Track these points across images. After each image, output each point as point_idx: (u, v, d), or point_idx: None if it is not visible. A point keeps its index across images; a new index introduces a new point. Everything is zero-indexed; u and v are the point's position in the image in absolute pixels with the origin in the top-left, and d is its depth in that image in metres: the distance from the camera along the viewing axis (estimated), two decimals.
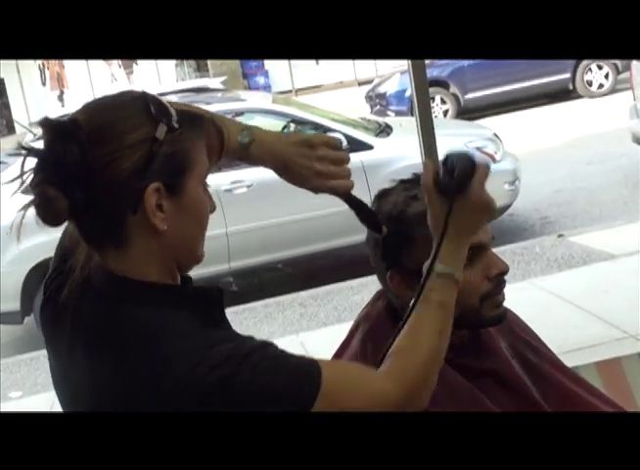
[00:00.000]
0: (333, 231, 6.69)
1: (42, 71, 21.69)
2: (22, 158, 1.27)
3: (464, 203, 1.44)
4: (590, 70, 14.47)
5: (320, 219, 6.50)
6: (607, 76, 14.54)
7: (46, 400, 5.23)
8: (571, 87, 14.60)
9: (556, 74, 14.30)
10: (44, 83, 21.80)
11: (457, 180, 1.44)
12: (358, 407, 1.32)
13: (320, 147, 1.51)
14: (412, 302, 1.44)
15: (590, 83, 14.58)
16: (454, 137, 7.37)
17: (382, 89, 15.25)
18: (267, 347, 1.28)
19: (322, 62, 21.36)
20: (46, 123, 1.25)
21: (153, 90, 1.35)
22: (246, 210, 6.85)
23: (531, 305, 4.62)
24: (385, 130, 7.74)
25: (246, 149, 1.51)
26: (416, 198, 1.65)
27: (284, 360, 1.28)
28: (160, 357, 1.22)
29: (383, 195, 1.73)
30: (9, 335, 7.47)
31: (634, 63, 8.59)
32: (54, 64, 21.31)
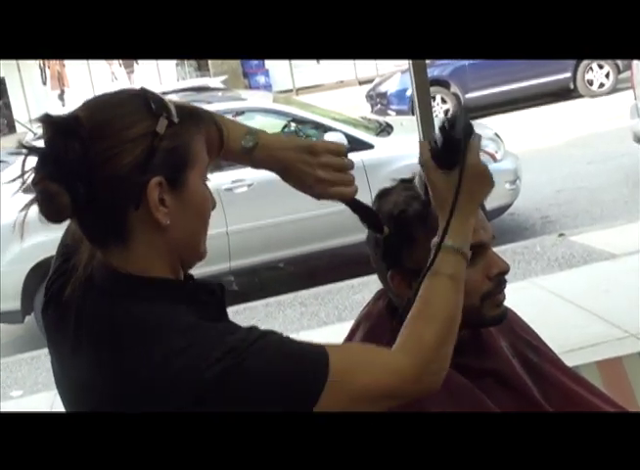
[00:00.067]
0: (333, 230, 6.69)
1: (43, 71, 21.67)
2: (23, 157, 1.27)
3: (465, 174, 1.46)
4: (591, 69, 14.46)
5: (320, 219, 6.49)
6: (608, 76, 14.53)
7: (47, 400, 5.24)
8: (571, 86, 14.59)
9: (557, 74, 14.29)
10: (45, 82, 21.79)
11: (463, 145, 1.46)
12: (373, 386, 1.30)
13: (323, 154, 1.50)
14: (421, 276, 1.44)
15: (591, 83, 14.57)
16: None
17: (382, 88, 15.24)
18: (271, 335, 1.28)
19: (323, 61, 21.34)
20: (47, 120, 1.25)
21: (153, 89, 1.35)
22: (246, 209, 6.85)
23: (532, 304, 4.62)
24: (385, 130, 7.74)
25: (249, 153, 1.51)
26: (417, 197, 1.65)
27: (289, 348, 1.28)
28: (159, 354, 1.21)
29: (383, 194, 1.73)
30: (9, 334, 7.47)
31: (635, 62, 8.59)
32: (54, 63, 21.30)
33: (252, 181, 6.69)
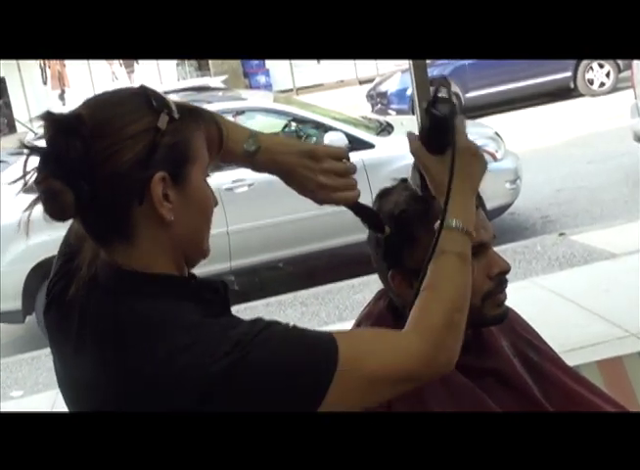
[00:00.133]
0: (334, 230, 6.69)
1: (43, 70, 21.65)
2: (25, 157, 1.27)
3: (457, 152, 1.47)
4: (591, 68, 14.46)
5: (321, 218, 6.49)
6: (608, 75, 14.53)
7: (47, 400, 5.24)
8: (572, 86, 14.59)
9: (557, 73, 14.29)
10: (45, 82, 21.77)
11: (450, 121, 1.47)
12: (386, 371, 1.29)
13: (325, 159, 1.50)
14: (426, 259, 1.44)
15: (591, 82, 14.57)
16: None
17: (383, 88, 15.24)
18: (275, 325, 1.27)
19: (323, 61, 21.34)
20: (48, 118, 1.25)
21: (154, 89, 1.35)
22: (247, 208, 6.85)
23: (533, 303, 4.61)
24: (386, 129, 7.74)
25: (251, 157, 1.51)
26: (418, 197, 1.65)
27: (296, 337, 1.28)
28: (163, 350, 1.21)
29: (384, 194, 1.73)
30: (10, 334, 7.48)
31: (636, 61, 8.58)
32: (55, 63, 21.27)
33: (253, 181, 6.69)
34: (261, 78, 22.48)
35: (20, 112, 20.52)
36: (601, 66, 14.44)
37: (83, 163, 1.23)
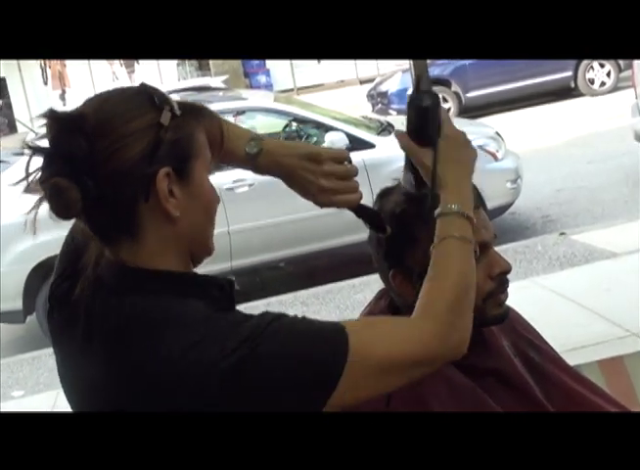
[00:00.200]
0: (334, 230, 6.69)
1: (44, 70, 21.65)
2: (28, 157, 1.27)
3: (443, 137, 1.49)
4: (592, 68, 14.46)
5: (321, 218, 6.48)
6: (609, 75, 14.53)
7: (48, 400, 5.24)
8: (572, 85, 14.60)
9: (558, 73, 14.29)
10: (46, 82, 21.77)
11: (435, 114, 1.50)
12: (397, 357, 1.29)
13: (326, 162, 1.50)
14: (431, 247, 1.44)
15: (592, 81, 14.57)
16: None
17: (383, 88, 15.24)
18: (284, 318, 1.28)
19: (324, 61, 21.34)
20: (51, 116, 1.26)
21: None
22: (247, 208, 6.84)
23: (534, 303, 4.62)
24: (386, 129, 7.73)
25: (253, 159, 1.51)
26: (419, 197, 1.65)
27: (305, 328, 1.28)
28: (172, 347, 1.21)
29: (385, 194, 1.73)
30: (11, 334, 7.48)
31: (636, 61, 8.58)
32: (55, 63, 21.28)
33: (254, 181, 6.69)
34: (262, 78, 22.47)
35: (20, 112, 20.51)
36: (602, 65, 14.44)
37: (88, 160, 1.23)
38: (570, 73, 14.42)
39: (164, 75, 21.37)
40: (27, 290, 6.71)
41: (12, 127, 20.14)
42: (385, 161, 6.79)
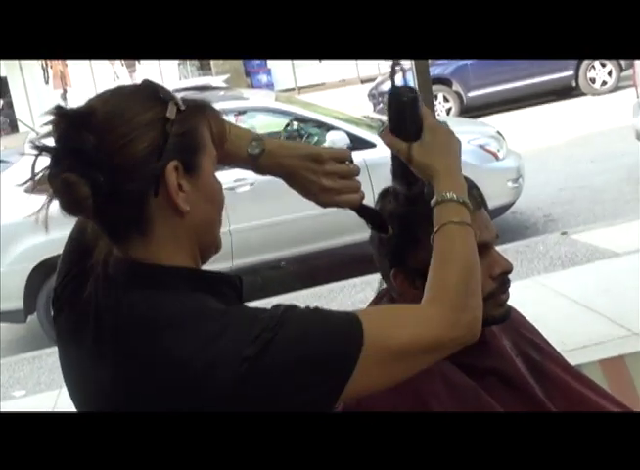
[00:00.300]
0: (336, 229, 6.69)
1: (45, 70, 21.64)
2: (34, 156, 1.27)
3: (427, 129, 1.49)
4: (593, 67, 14.45)
5: (322, 218, 6.47)
6: (610, 74, 14.52)
7: (49, 399, 5.25)
8: (574, 85, 14.59)
9: (559, 72, 14.28)
10: (47, 82, 21.74)
11: (412, 106, 1.49)
12: (410, 342, 1.29)
13: (328, 162, 1.50)
14: (431, 235, 1.44)
15: (593, 81, 14.56)
16: (457, 135, 7.35)
17: (385, 87, 15.21)
18: (297, 308, 1.28)
19: (325, 60, 21.34)
20: (59, 112, 1.26)
21: None
22: (248, 208, 6.84)
23: (535, 303, 4.62)
24: None
25: (255, 160, 1.51)
26: (420, 196, 1.65)
27: (320, 318, 1.28)
28: (195, 341, 1.21)
29: (386, 193, 1.73)
30: (12, 334, 7.49)
31: (638, 60, 8.58)
32: (57, 62, 21.24)
33: (254, 181, 6.69)
34: (263, 78, 22.48)
35: (21, 111, 20.53)
36: (603, 64, 14.42)
37: (96, 155, 1.23)
38: (571, 73, 14.41)
39: (166, 75, 21.37)
40: (28, 290, 6.71)
41: (13, 127, 20.16)
42: (386, 160, 6.69)
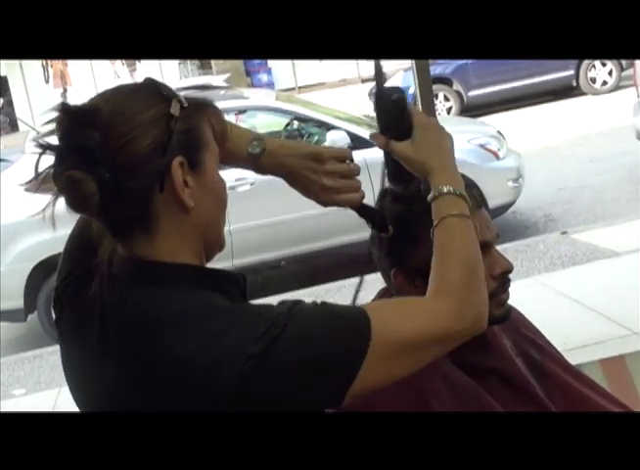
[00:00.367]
0: (336, 229, 6.69)
1: (45, 69, 21.65)
2: (38, 155, 1.27)
3: (417, 127, 1.50)
4: (594, 67, 14.45)
5: (323, 217, 6.47)
6: (610, 73, 14.52)
7: (49, 398, 5.25)
8: (574, 84, 14.59)
9: (559, 72, 14.28)
10: (47, 81, 21.76)
11: (400, 105, 1.51)
12: (416, 335, 1.29)
13: (329, 161, 1.51)
14: (431, 229, 1.44)
15: (594, 80, 14.56)
16: (457, 134, 7.34)
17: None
18: (303, 303, 1.27)
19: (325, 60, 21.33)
20: (63, 109, 1.26)
21: None
22: (249, 207, 6.84)
23: (535, 302, 4.62)
24: None
25: (256, 159, 1.51)
26: (421, 196, 1.65)
27: (328, 312, 1.28)
28: (201, 338, 1.20)
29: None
30: (12, 332, 7.49)
31: (638, 60, 8.58)
32: (57, 62, 21.27)
33: (255, 180, 6.69)
34: (263, 77, 22.49)
35: (22, 110, 20.54)
36: (603, 64, 14.42)
37: (101, 151, 1.23)
38: (571, 72, 14.41)
39: (166, 74, 21.38)
40: (29, 288, 6.72)
41: (13, 126, 20.17)
42: None
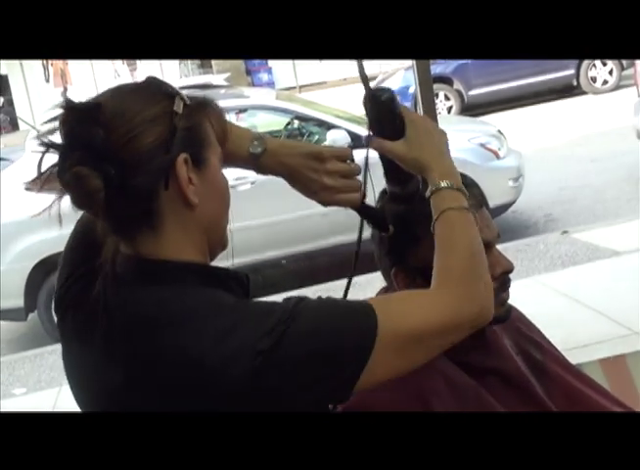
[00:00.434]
0: (336, 228, 6.69)
1: (46, 68, 21.67)
2: (41, 153, 1.27)
3: (409, 125, 1.50)
4: (594, 66, 14.45)
5: (323, 216, 6.49)
6: (611, 73, 14.52)
7: (49, 397, 5.25)
8: (575, 84, 14.59)
9: (560, 71, 14.28)
10: (48, 80, 21.78)
11: (391, 104, 1.51)
12: (425, 327, 1.29)
13: (330, 160, 1.51)
14: (432, 224, 1.44)
15: (594, 80, 14.56)
16: (458, 133, 7.36)
17: (385, 86, 15.21)
18: (308, 299, 1.27)
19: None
20: (68, 106, 1.26)
21: None
22: (249, 206, 6.83)
23: (535, 302, 4.62)
24: None
25: (257, 159, 1.51)
26: (421, 195, 1.65)
27: (334, 307, 1.28)
28: (209, 335, 1.20)
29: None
30: (12, 332, 7.49)
31: (639, 60, 8.58)
32: (57, 61, 21.30)
33: (255, 179, 6.69)
34: (264, 76, 22.46)
35: (22, 109, 20.53)
36: (604, 63, 14.42)
37: (106, 148, 1.23)
38: (572, 72, 14.41)
39: (166, 73, 21.36)
40: (29, 287, 6.72)
41: (14, 125, 20.17)
42: None
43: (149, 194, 1.26)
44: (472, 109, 14.22)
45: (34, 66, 21.41)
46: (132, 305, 1.27)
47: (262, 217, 6.99)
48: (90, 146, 1.23)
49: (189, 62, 22.15)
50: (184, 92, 1.34)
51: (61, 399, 5.08)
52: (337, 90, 19.83)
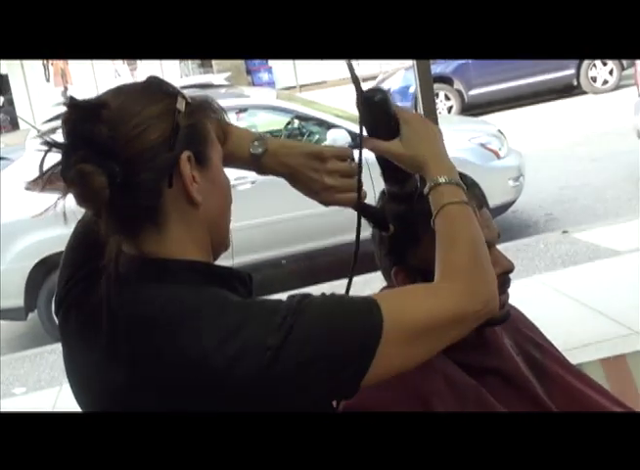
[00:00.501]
0: (337, 228, 6.68)
1: (46, 68, 21.67)
2: (44, 153, 1.27)
3: (403, 123, 1.50)
4: (595, 66, 14.45)
5: (324, 216, 6.47)
6: (611, 73, 14.52)
7: (49, 397, 5.25)
8: (575, 83, 14.59)
9: (560, 71, 14.28)
10: (48, 79, 21.79)
11: (384, 104, 1.51)
12: (430, 320, 1.29)
13: (330, 160, 1.51)
14: (432, 219, 1.45)
15: (595, 79, 14.56)
16: (458, 133, 7.37)
17: (386, 85, 15.20)
18: (311, 296, 1.27)
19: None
20: (71, 104, 1.26)
21: None
22: (250, 206, 6.83)
23: (536, 301, 4.62)
24: None
25: (258, 159, 1.52)
26: (421, 195, 1.65)
27: (338, 302, 1.29)
28: (216, 334, 1.20)
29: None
30: (12, 331, 7.49)
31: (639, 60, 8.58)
32: (58, 60, 21.30)
33: (256, 178, 6.68)
34: (264, 75, 22.47)
35: (22, 109, 20.53)
36: (604, 63, 14.42)
37: (110, 145, 1.23)
38: (572, 71, 14.41)
39: (167, 73, 21.35)
40: (29, 287, 6.72)
41: (14, 124, 20.17)
42: None
43: (153, 191, 1.26)
44: (472, 108, 14.22)
45: (35, 65, 21.42)
46: (135, 305, 1.26)
47: (262, 217, 6.99)
48: (94, 143, 1.23)
49: (189, 61, 22.16)
50: (185, 91, 1.35)
51: (61, 398, 5.08)
52: (337, 90, 19.82)
